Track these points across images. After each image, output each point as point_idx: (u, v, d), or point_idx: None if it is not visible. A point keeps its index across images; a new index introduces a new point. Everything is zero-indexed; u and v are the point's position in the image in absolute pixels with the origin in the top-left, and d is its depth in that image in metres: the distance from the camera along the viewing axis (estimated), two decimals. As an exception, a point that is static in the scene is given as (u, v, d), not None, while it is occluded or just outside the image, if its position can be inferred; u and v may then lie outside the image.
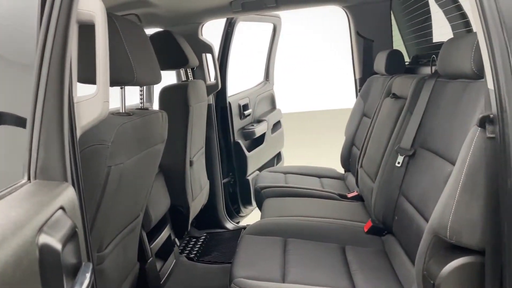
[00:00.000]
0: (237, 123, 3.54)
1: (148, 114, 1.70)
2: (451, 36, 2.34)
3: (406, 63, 2.81)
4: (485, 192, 1.17)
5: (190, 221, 2.76)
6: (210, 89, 3.14)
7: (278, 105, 4.29)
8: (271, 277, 1.61)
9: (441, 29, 2.59)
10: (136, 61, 1.49)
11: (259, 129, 3.71)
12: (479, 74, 1.43)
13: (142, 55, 1.57)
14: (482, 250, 1.19)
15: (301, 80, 10.96)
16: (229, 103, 3.43)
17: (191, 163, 2.69)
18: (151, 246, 2.20)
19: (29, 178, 0.94)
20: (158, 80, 1.72)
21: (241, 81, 3.99)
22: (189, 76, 3.06)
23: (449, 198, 1.25)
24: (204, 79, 3.16)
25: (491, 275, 1.16)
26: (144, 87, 2.01)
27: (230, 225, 3.38)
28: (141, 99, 1.97)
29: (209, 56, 3.20)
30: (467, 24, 2.36)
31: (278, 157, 4.19)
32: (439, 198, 1.32)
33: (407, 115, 2.06)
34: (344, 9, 3.17)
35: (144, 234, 2.12)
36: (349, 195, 2.69)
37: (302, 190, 2.71)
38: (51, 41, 1.03)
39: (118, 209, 1.56)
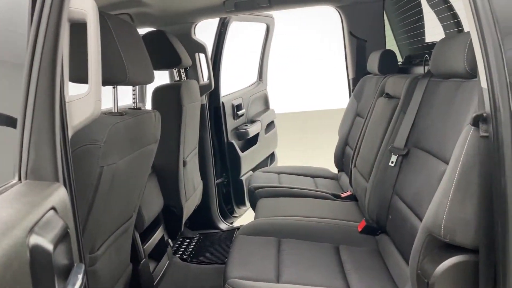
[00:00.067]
0: (231, 123, 3.53)
1: (141, 113, 1.69)
2: (443, 36, 2.36)
3: (399, 63, 2.82)
4: (478, 191, 1.17)
5: (183, 222, 2.75)
6: (203, 89, 3.13)
7: (271, 106, 4.29)
8: (265, 277, 1.61)
9: (434, 29, 2.61)
10: (129, 60, 1.48)
11: (252, 129, 3.70)
12: (472, 74, 1.43)
13: (134, 54, 1.56)
14: (476, 249, 1.19)
15: (294, 80, 10.97)
16: (223, 103, 3.42)
17: (184, 164, 2.68)
18: (144, 247, 2.19)
19: (20, 178, 0.92)
20: (151, 79, 1.71)
21: (234, 81, 3.99)
22: (182, 76, 3.05)
23: (443, 197, 1.25)
24: (197, 79, 3.15)
25: (485, 274, 1.16)
26: (137, 87, 2.00)
27: (223, 225, 3.37)
28: (133, 98, 1.96)
29: (202, 56, 3.19)
30: (459, 24, 2.38)
31: (271, 157, 4.19)
32: (433, 197, 1.32)
33: (400, 115, 2.06)
34: (337, 9, 3.17)
35: (137, 235, 2.10)
36: (343, 195, 2.69)
37: (296, 190, 2.71)
38: (42, 40, 1.01)
39: (110, 209, 1.55)
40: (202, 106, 3.17)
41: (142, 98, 3.26)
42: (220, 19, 3.34)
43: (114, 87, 1.62)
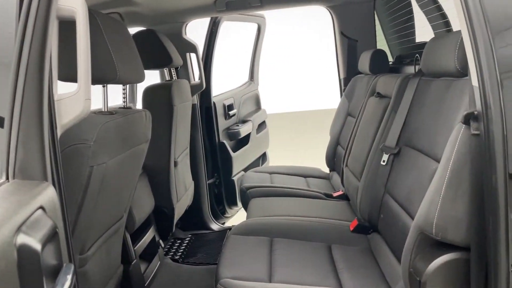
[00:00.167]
0: (222, 123, 3.52)
1: (131, 113, 1.67)
2: (433, 36, 2.37)
3: (390, 63, 2.84)
4: (470, 188, 1.17)
5: (174, 223, 2.73)
6: (194, 89, 3.11)
7: (263, 106, 4.28)
8: (258, 277, 1.60)
9: (424, 29, 2.62)
10: (119, 58, 1.46)
11: (244, 130, 3.69)
12: (463, 72, 1.44)
13: (125, 53, 1.54)
14: (467, 247, 1.19)
15: (285, 80, 10.98)
16: (214, 103, 3.41)
17: (175, 164, 2.66)
18: (135, 248, 2.17)
19: (7, 178, 0.91)
20: (141, 78, 1.69)
21: (226, 81, 3.97)
22: (173, 75, 3.03)
23: (434, 195, 1.25)
24: (188, 79, 3.14)
25: (476, 271, 1.17)
26: (127, 86, 1.98)
27: (215, 226, 3.35)
28: (124, 98, 1.94)
29: (193, 55, 3.18)
30: (447, 24, 2.40)
31: (263, 157, 4.19)
32: (425, 196, 1.33)
33: (391, 114, 2.07)
34: (328, 9, 3.18)
35: (128, 236, 2.08)
36: (335, 194, 2.69)
37: (288, 190, 2.71)
38: (29, 37, 1.00)
39: (100, 210, 1.53)
40: (193, 106, 3.16)
41: (133, 98, 3.24)
42: (211, 18, 3.33)
43: (104, 86, 1.60)
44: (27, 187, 0.87)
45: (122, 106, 1.87)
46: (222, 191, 3.53)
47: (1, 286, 0.64)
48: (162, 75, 3.22)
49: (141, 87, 2.73)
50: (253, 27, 3.92)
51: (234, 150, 3.57)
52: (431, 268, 1.22)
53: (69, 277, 0.78)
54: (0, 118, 0.99)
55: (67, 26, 1.11)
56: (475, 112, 1.15)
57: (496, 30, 1.10)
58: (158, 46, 2.56)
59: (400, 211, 1.67)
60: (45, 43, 1.02)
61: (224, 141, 3.46)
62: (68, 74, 1.24)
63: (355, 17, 3.14)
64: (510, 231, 1.09)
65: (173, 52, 2.66)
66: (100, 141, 1.38)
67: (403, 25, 2.84)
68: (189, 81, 3.07)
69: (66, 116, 1.08)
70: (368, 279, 1.64)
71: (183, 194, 2.82)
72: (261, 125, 4.11)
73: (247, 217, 2.44)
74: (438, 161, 1.38)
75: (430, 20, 2.54)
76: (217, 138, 3.43)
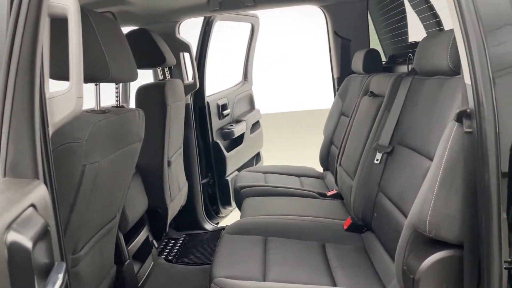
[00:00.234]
0: (216, 123, 3.51)
1: (124, 112, 1.66)
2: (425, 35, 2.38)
3: (383, 63, 2.84)
4: (463, 186, 1.18)
5: (168, 223, 2.72)
6: (188, 88, 3.10)
7: (257, 106, 4.28)
8: (252, 276, 1.60)
9: (416, 29, 2.64)
10: (111, 57, 1.45)
11: (238, 129, 3.68)
12: (456, 71, 1.45)
13: (117, 51, 1.53)
14: (460, 244, 1.20)
15: (279, 80, 10.98)
16: (208, 102, 3.40)
17: (169, 163, 2.65)
18: (128, 248, 2.15)
19: (-2, 176, 0.90)
20: (134, 77, 1.68)
21: (219, 81, 3.97)
22: (167, 75, 3.02)
23: (427, 193, 1.26)
24: (182, 79, 3.13)
25: (469, 269, 1.17)
26: (120, 86, 1.97)
27: (209, 226, 3.34)
28: (116, 97, 1.92)
29: (186, 55, 3.17)
30: (439, 23, 2.41)
31: (257, 157, 4.18)
32: (418, 194, 1.33)
33: (385, 113, 2.07)
34: (321, 9, 3.18)
35: (121, 236, 2.07)
36: (329, 193, 2.70)
37: (282, 189, 2.71)
38: (20, 34, 0.99)
39: (93, 209, 1.52)
40: (187, 105, 3.15)
41: (126, 98, 3.22)
42: (205, 18, 3.32)
43: (96, 85, 1.59)
44: (18, 185, 0.86)
45: (115, 105, 1.86)
46: (216, 191, 3.52)
47: (-9, 284, 0.63)
48: (155, 75, 3.20)
49: (134, 87, 2.72)
50: (247, 27, 3.92)
51: (228, 150, 3.56)
52: (424, 265, 1.23)
53: (61, 276, 0.77)
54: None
55: (59, 24, 1.10)
56: (468, 110, 1.15)
57: (488, 29, 1.11)
58: (151, 45, 2.54)
59: (393, 210, 1.68)
60: (36, 41, 1.01)
61: (218, 141, 3.46)
62: (60, 72, 1.23)
63: (348, 17, 3.15)
64: (502, 229, 1.09)
65: (167, 52, 2.65)
66: (92, 140, 1.37)
67: (396, 25, 2.85)
68: (183, 81, 3.06)
69: (58, 115, 1.07)
70: (362, 278, 1.64)
71: (176, 194, 2.81)
72: (255, 125, 4.11)
73: (241, 217, 2.44)
74: (431, 159, 1.38)
75: (422, 20, 2.55)
76: (210, 138, 3.43)
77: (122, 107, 1.81)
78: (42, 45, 1.03)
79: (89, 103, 1.58)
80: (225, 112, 3.63)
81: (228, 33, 4.50)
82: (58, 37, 1.13)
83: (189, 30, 3.35)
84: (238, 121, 3.83)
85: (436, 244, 1.25)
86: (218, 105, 3.55)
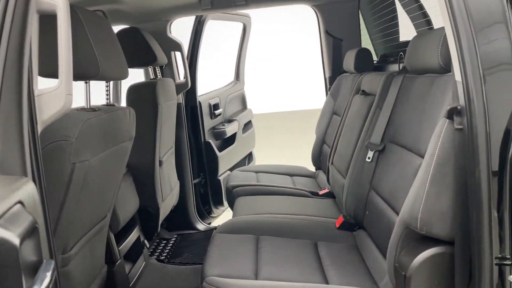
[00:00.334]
0: (208, 123, 3.50)
1: (114, 110, 1.65)
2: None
3: (375, 62, 2.85)
4: (454, 183, 1.19)
5: (160, 223, 2.70)
6: (179, 87, 3.09)
7: (249, 106, 4.27)
8: (244, 275, 1.59)
9: (407, 29, 2.65)
10: (102, 54, 1.44)
11: (230, 129, 3.67)
12: (446, 68, 1.45)
13: (107, 49, 1.52)
14: (452, 241, 1.20)
15: (271, 80, 10.98)
16: (199, 102, 3.38)
17: (160, 163, 2.64)
18: (119, 248, 2.14)
19: (-15, 173, 0.88)
20: (125, 75, 1.67)
21: (211, 81, 3.96)
22: (158, 74, 3.00)
23: (419, 190, 1.26)
24: (173, 78, 3.11)
25: (460, 265, 1.18)
26: (111, 85, 1.95)
27: (201, 226, 3.33)
28: (107, 95, 1.91)
29: (178, 54, 3.15)
30: (429, 22, 2.43)
31: (249, 157, 4.17)
32: (409, 191, 1.33)
33: (376, 111, 2.08)
34: (313, 8, 3.19)
35: (112, 236, 2.05)
36: (321, 192, 2.70)
37: (274, 188, 2.70)
38: (7, 30, 0.98)
39: (83, 208, 1.50)
40: (179, 105, 3.13)
41: (117, 97, 3.19)
42: (196, 17, 3.31)
43: (86, 82, 1.57)
44: (5, 181, 0.85)
45: (106, 104, 1.84)
46: (208, 191, 3.50)
47: (-23, 281, 0.62)
48: (146, 74, 3.19)
49: (125, 87, 2.70)
50: (239, 26, 3.91)
51: (220, 150, 3.55)
52: (416, 262, 1.23)
53: (49, 274, 0.76)
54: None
55: (49, 21, 1.09)
56: (459, 107, 1.16)
57: (479, 27, 1.11)
58: (142, 44, 2.53)
59: (385, 207, 1.68)
60: (24, 37, 0.99)
61: (210, 141, 3.44)
62: (49, 69, 1.21)
63: (340, 16, 3.16)
64: (493, 225, 1.10)
65: (158, 50, 2.64)
66: (82, 138, 1.36)
67: (387, 24, 2.86)
68: (174, 80, 3.05)
69: (47, 112, 1.06)
70: (354, 275, 1.64)
71: (168, 193, 2.80)
72: (247, 125, 4.10)
73: (233, 216, 2.43)
74: (422, 156, 1.39)
75: (412, 19, 2.57)
76: (202, 138, 3.41)
77: (113, 105, 1.80)
78: (30, 42, 1.01)
79: (80, 103, 1.57)
80: (217, 112, 3.61)
81: (220, 33, 4.48)
82: (47, 33, 1.11)
83: (181, 30, 3.34)
84: (230, 121, 3.82)
85: (428, 241, 1.26)
86: (210, 105, 3.54)
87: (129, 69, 1.75)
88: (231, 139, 3.75)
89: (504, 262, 1.10)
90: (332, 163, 2.62)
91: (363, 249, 1.85)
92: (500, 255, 1.10)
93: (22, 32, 0.98)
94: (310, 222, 2.18)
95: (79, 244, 1.56)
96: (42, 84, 1.12)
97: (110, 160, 1.64)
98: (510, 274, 1.10)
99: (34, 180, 0.94)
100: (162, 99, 2.56)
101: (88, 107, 1.58)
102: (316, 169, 3.26)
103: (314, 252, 1.82)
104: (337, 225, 2.09)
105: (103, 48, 1.46)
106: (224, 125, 3.70)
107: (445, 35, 1.37)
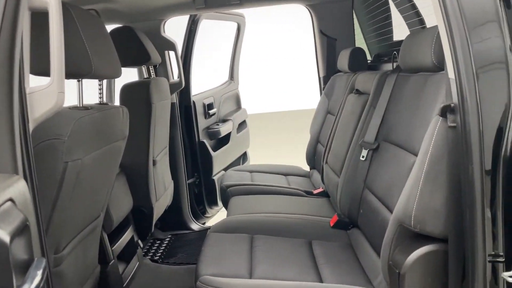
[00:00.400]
0: (202, 123, 3.49)
1: (107, 108, 1.64)
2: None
3: (368, 61, 2.86)
4: (447, 180, 1.19)
5: (153, 223, 2.69)
6: (173, 87, 3.08)
7: (243, 106, 4.27)
8: (238, 274, 1.58)
9: (400, 28, 2.66)
10: (94, 53, 1.43)
11: (224, 129, 3.67)
12: (439, 66, 1.46)
13: (100, 47, 1.51)
14: (445, 238, 1.21)
15: (265, 80, 10.98)
16: (194, 102, 3.37)
17: (154, 163, 2.63)
18: (113, 248, 2.12)
19: (-25, 171, 0.87)
20: (118, 73, 1.66)
21: (205, 81, 3.95)
22: (151, 73, 2.99)
23: (412, 188, 1.26)
24: (167, 77, 3.10)
25: (454, 262, 1.18)
26: (104, 83, 1.94)
27: (195, 226, 3.32)
28: (100, 93, 1.89)
29: (172, 53, 3.14)
30: (422, 22, 2.44)
31: (244, 157, 4.17)
32: (403, 189, 1.34)
33: (370, 110, 2.08)
34: (307, 8, 3.19)
35: (105, 236, 2.04)
36: (315, 192, 2.70)
37: (268, 188, 2.70)
38: None
39: (76, 207, 1.49)
40: (173, 104, 3.12)
41: (110, 96, 3.18)
42: (190, 16, 3.30)
43: (79, 81, 1.56)
44: (-4, 179, 0.84)
45: (98, 102, 1.83)
46: (202, 190, 3.49)
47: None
48: (140, 73, 3.17)
49: (118, 87, 2.68)
50: (233, 26, 3.91)
51: (214, 150, 3.54)
52: (410, 260, 1.23)
53: (40, 272, 0.75)
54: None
55: (41, 18, 1.08)
56: (452, 105, 1.16)
57: (472, 26, 1.12)
58: (135, 43, 2.51)
59: (379, 206, 1.68)
60: (15, 34, 0.98)
61: (204, 140, 3.43)
62: (41, 67, 1.20)
63: (334, 16, 3.16)
64: (486, 223, 1.10)
65: (151, 50, 2.62)
66: (74, 137, 1.35)
67: (381, 24, 2.87)
68: (168, 80, 3.04)
69: (39, 110, 1.05)
70: (349, 274, 1.64)
71: (162, 193, 2.79)
72: (242, 125, 4.10)
73: (228, 215, 2.42)
74: (416, 154, 1.39)
75: (405, 18, 2.58)
76: (197, 137, 3.40)
77: (106, 104, 1.79)
78: (21, 39, 1.00)
79: (72, 102, 1.56)
80: (211, 112, 3.61)
81: (214, 32, 4.48)
82: (39, 31, 1.10)
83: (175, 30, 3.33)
84: (224, 121, 3.81)
85: (421, 238, 1.26)
86: (204, 105, 3.53)
87: (123, 69, 1.75)
88: (226, 139, 3.75)
89: (497, 259, 1.10)
90: (326, 162, 2.62)
91: (357, 247, 1.85)
92: (493, 252, 1.10)
93: (13, 29, 0.97)
94: (304, 221, 2.17)
95: (72, 243, 1.55)
96: (34, 82, 1.11)
97: (103, 159, 1.63)
98: (503, 271, 1.11)
99: (25, 178, 0.93)
100: (156, 99, 2.55)
101: (81, 105, 1.56)
102: (310, 169, 3.26)
103: (308, 251, 1.82)
104: (332, 224, 2.09)
105: (95, 46, 1.45)
106: (218, 124, 3.69)
107: (438, 33, 1.38)
